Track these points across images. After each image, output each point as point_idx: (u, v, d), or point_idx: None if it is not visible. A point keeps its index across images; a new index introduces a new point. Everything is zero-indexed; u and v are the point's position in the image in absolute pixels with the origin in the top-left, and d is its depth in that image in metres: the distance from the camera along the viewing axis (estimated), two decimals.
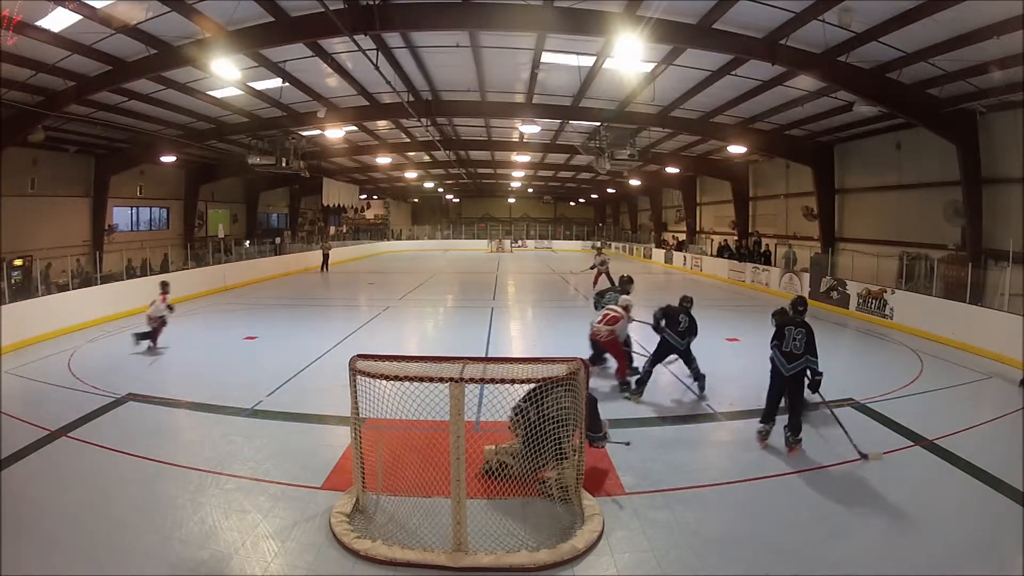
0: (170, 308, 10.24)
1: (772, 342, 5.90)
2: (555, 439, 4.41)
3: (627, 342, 8.01)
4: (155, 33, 9.69)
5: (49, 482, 4.99)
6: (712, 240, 25.60)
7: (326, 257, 24.83)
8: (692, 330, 7.28)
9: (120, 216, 21.68)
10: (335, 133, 18.21)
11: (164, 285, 10.39)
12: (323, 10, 7.99)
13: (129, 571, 3.74)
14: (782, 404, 5.91)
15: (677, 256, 26.80)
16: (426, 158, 26.15)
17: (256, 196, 29.29)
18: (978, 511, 4.62)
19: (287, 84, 13.08)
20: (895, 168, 15.01)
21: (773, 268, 18.37)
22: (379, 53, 10.82)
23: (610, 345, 7.72)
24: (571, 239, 42.82)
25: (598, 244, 26.57)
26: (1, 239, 14.66)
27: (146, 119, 15.39)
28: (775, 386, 5.89)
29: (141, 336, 9.83)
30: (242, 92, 13.57)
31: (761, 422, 5.99)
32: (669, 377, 8.29)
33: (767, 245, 20.59)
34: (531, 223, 46.67)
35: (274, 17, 9.34)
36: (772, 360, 5.88)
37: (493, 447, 5.09)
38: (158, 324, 9.93)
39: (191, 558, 3.87)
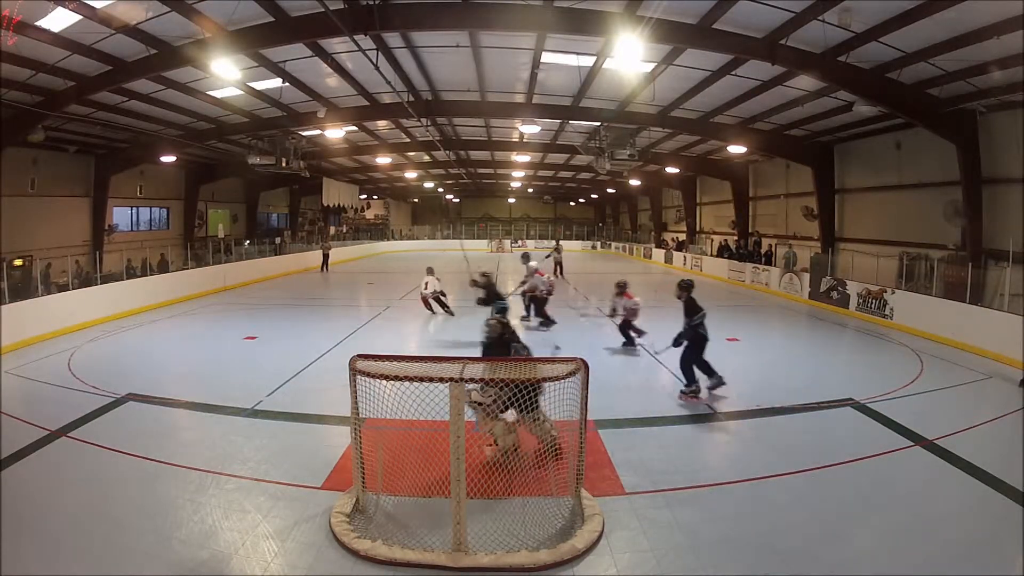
0: (443, 293, 13.17)
1: (692, 317, 7.08)
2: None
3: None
4: (155, 33, 9.68)
5: (49, 482, 4.98)
6: (712, 240, 25.60)
7: (326, 257, 24.84)
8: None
9: (120, 216, 21.67)
10: (335, 133, 18.20)
11: (430, 270, 13.24)
12: (323, 10, 7.99)
13: (129, 571, 3.74)
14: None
15: (677, 256, 26.80)
16: (426, 158, 26.14)
17: (256, 196, 29.27)
18: (978, 511, 4.62)
19: (287, 84, 13.07)
20: (895, 168, 15.00)
21: (773, 268, 18.37)
22: (379, 53, 10.82)
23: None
24: (571, 239, 42.81)
25: (555, 241, 28.54)
26: (1, 239, 14.66)
27: (146, 119, 15.39)
28: (698, 352, 7.14)
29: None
30: (242, 92, 13.56)
31: (691, 384, 7.21)
32: (669, 377, 8.30)
33: (770, 245, 20.58)
34: (531, 223, 46.65)
35: (274, 17, 9.34)
36: (697, 332, 7.07)
37: (492, 446, 5.15)
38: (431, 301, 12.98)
39: (191, 558, 3.87)
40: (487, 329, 6.12)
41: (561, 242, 25.70)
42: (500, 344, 5.98)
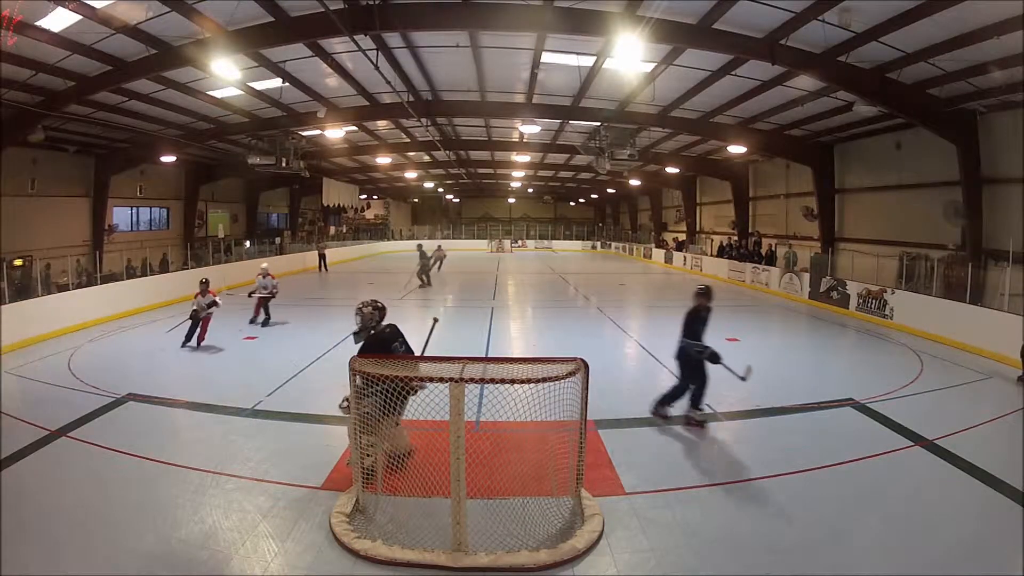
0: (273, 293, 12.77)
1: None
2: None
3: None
4: (155, 33, 9.69)
5: (49, 482, 4.98)
6: (712, 240, 25.60)
7: (323, 257, 24.90)
8: None
9: (120, 216, 21.70)
10: (335, 133, 18.20)
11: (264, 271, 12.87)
12: (323, 10, 8.01)
13: (129, 571, 3.74)
14: None
15: (677, 256, 26.81)
16: (426, 158, 26.15)
17: (256, 196, 29.29)
18: (978, 511, 4.62)
19: (287, 84, 13.08)
20: (895, 168, 15.01)
21: (773, 268, 18.37)
22: (379, 53, 10.82)
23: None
24: (571, 239, 42.83)
25: (439, 243, 28.63)
26: (1, 239, 14.67)
27: (146, 119, 15.40)
28: None
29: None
30: (242, 92, 13.57)
31: None
32: (669, 378, 8.29)
33: (770, 245, 20.56)
34: (531, 223, 46.65)
35: (274, 17, 9.34)
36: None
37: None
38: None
39: (191, 558, 3.87)
40: (359, 319, 5.36)
41: (442, 244, 25.92)
42: (376, 341, 5.21)
